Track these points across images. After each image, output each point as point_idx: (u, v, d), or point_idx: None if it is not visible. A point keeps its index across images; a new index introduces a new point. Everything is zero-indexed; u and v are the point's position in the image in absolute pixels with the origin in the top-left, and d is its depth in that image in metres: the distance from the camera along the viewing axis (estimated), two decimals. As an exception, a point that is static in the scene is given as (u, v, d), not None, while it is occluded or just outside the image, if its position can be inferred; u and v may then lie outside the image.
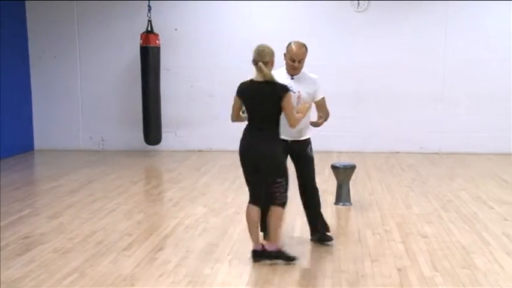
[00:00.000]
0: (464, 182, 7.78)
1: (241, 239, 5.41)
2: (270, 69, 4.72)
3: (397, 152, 10.11)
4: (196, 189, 7.55)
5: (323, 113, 5.28)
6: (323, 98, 5.26)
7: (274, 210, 4.77)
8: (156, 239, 5.45)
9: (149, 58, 9.83)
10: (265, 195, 4.79)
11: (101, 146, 10.86)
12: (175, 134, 10.75)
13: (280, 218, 4.82)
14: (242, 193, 7.25)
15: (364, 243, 5.28)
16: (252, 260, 4.77)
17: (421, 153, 9.86)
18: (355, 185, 7.27)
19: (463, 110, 9.98)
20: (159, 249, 5.13)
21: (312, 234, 5.36)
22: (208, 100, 10.62)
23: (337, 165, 6.76)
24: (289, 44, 5.27)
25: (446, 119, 9.92)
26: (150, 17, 9.79)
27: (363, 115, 10.31)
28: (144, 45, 9.80)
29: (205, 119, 10.65)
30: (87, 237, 5.47)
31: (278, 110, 4.65)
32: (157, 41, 9.91)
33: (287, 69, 5.17)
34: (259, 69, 4.68)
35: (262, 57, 4.72)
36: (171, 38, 10.38)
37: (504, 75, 9.84)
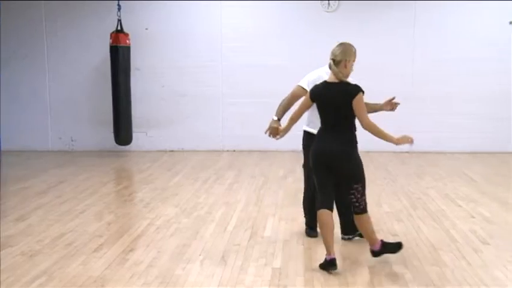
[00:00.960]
0: (433, 180, 7.90)
1: (213, 239, 5.40)
2: (344, 69, 4.64)
3: (368, 152, 10.20)
4: (168, 190, 7.50)
5: None
6: None
7: (359, 218, 4.67)
8: (127, 240, 5.40)
9: (119, 58, 9.74)
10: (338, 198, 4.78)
11: (71, 146, 10.73)
12: (146, 134, 10.67)
13: (368, 223, 4.68)
14: (214, 193, 7.27)
15: (335, 241, 5.29)
16: (326, 270, 4.53)
17: (392, 152, 9.97)
18: (326, 184, 7.31)
19: (432, 109, 10.12)
20: (130, 250, 5.09)
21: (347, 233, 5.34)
22: (180, 100, 10.58)
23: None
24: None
25: (415, 118, 10.04)
26: (119, 16, 9.71)
27: (333, 115, 10.37)
28: (114, 44, 9.71)
29: (177, 118, 10.61)
30: (56, 239, 5.39)
31: (351, 110, 4.53)
32: (127, 41, 9.83)
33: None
34: (330, 67, 4.66)
35: (334, 56, 4.69)
36: (142, 37, 10.30)
37: (472, 75, 10.02)
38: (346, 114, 4.55)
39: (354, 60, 4.75)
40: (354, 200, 4.62)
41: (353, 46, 4.81)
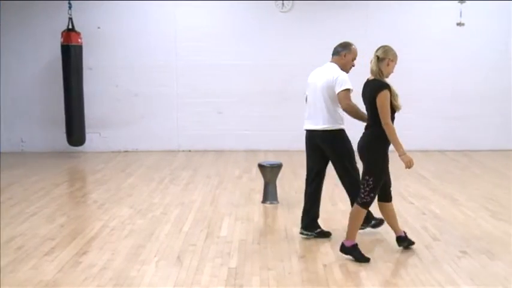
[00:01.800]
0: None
1: (168, 239, 5.36)
2: (385, 67, 4.77)
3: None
4: (122, 191, 7.40)
5: None
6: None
7: (356, 209, 4.80)
8: (80, 242, 5.30)
9: (71, 57, 9.56)
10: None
11: (21, 147, 10.46)
12: (100, 135, 10.51)
13: (358, 218, 4.80)
14: (169, 193, 7.22)
15: (291, 240, 5.36)
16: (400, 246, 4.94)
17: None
18: (282, 184, 7.35)
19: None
20: (84, 253, 5.00)
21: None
22: (134, 100, 10.46)
23: (264, 164, 6.82)
24: (352, 44, 5.50)
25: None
26: (70, 15, 9.52)
27: (288, 114, 10.44)
28: (65, 43, 9.53)
29: (131, 119, 10.48)
30: (5, 243, 5.24)
31: (376, 107, 4.65)
32: (79, 40, 9.65)
33: (347, 67, 5.40)
34: (370, 62, 4.78)
35: (381, 53, 4.79)
36: (94, 36, 10.13)
37: (423, 75, 10.26)
38: (374, 110, 4.68)
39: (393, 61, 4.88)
40: (362, 190, 4.74)
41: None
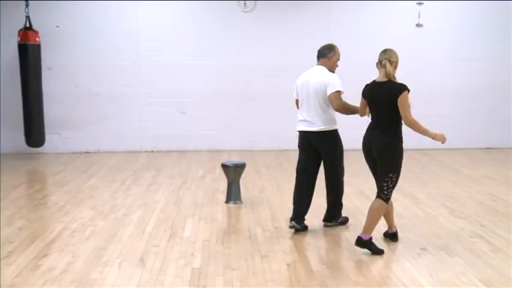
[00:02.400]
0: (348, 177, 8.05)
1: (131, 241, 5.30)
2: (394, 71, 4.98)
3: (286, 150, 10.37)
4: (83, 192, 7.29)
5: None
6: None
7: (378, 202, 4.95)
8: (39, 245, 5.20)
9: (28, 56, 9.38)
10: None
11: (-22, 149, 10.20)
12: (60, 136, 10.33)
13: (380, 213, 4.97)
14: (132, 194, 7.14)
15: (254, 240, 5.36)
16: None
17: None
18: (245, 183, 7.36)
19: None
20: (43, 256, 4.89)
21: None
22: (95, 100, 10.32)
23: (227, 163, 6.81)
24: (336, 46, 5.72)
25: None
26: (28, 13, 9.34)
27: (251, 114, 10.48)
28: (23, 42, 9.34)
29: (92, 119, 10.34)
30: (-38, 247, 5.10)
31: (397, 107, 4.85)
32: (37, 39, 9.46)
33: (334, 69, 5.61)
34: (383, 66, 4.93)
35: (390, 56, 4.96)
36: (53, 35, 9.97)
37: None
38: (391, 110, 4.92)
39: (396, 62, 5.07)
40: (385, 186, 4.92)
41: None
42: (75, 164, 9.27)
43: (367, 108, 5.20)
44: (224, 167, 6.79)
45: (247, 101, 10.44)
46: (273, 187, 7.59)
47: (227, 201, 6.72)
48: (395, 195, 7.04)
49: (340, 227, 5.74)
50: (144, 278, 4.40)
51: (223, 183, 7.17)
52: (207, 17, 10.36)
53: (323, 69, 5.57)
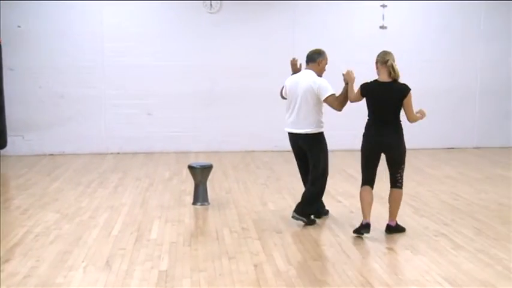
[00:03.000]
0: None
1: (97, 244, 5.24)
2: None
3: (253, 151, 10.40)
4: (48, 195, 7.17)
5: None
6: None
7: (397, 191, 5.52)
8: (1, 250, 5.08)
9: (-11, 56, 9.15)
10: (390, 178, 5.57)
11: None
12: (23, 138, 10.13)
13: (400, 199, 5.55)
14: (97, 197, 7.06)
15: (221, 241, 5.36)
16: (357, 233, 5.43)
17: (276, 151, 10.22)
18: (212, 185, 7.36)
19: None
20: (5, 261, 4.79)
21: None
22: (59, 101, 10.16)
23: (194, 165, 6.79)
24: (324, 51, 5.93)
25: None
26: (-12, 12, 9.14)
27: (218, 115, 10.46)
28: (-17, 42, 9.13)
29: (57, 121, 10.18)
30: None
31: (401, 106, 5.35)
32: (-2, 39, 9.26)
33: (322, 73, 5.86)
34: (390, 66, 5.36)
35: (393, 58, 5.41)
36: (15, 36, 9.78)
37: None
38: (398, 108, 5.43)
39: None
40: (399, 177, 5.49)
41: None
42: (39, 167, 9.11)
43: (358, 99, 5.62)
44: (191, 168, 6.76)
45: (214, 102, 10.43)
46: (240, 188, 7.60)
47: (194, 203, 6.69)
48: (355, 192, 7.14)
49: (307, 228, 5.77)
50: (110, 282, 4.36)
51: (190, 184, 7.14)
52: (173, 18, 10.31)
53: (312, 74, 5.78)
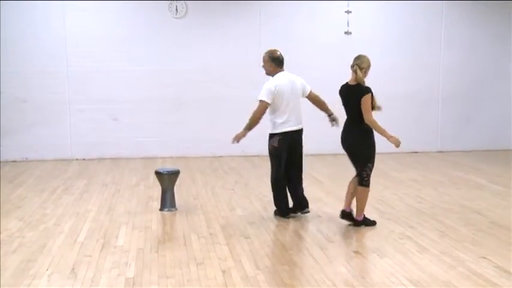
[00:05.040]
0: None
1: (62, 251, 5.16)
2: (363, 74, 5.70)
3: (220, 156, 10.39)
4: (10, 202, 7.03)
5: None
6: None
7: (361, 189, 5.81)
8: (-37, 259, 4.97)
9: None
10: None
11: None
12: (-16, 144, 9.92)
13: (366, 196, 5.84)
14: (62, 204, 6.95)
15: (189, 247, 5.34)
16: (340, 217, 5.96)
17: (243, 156, 10.24)
18: (179, 190, 7.32)
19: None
20: (-32, 270, 4.69)
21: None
22: (22, 107, 9.98)
23: (161, 171, 6.75)
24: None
25: (265, 123, 10.37)
26: None
27: (185, 120, 10.42)
28: None
29: (19, 127, 9.99)
30: None
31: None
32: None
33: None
34: (354, 71, 5.68)
35: (361, 62, 5.69)
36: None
37: (314, 82, 10.55)
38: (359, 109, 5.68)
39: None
40: (365, 175, 5.77)
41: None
42: (1, 174, 8.92)
43: None
44: (158, 174, 6.72)
45: (181, 107, 10.39)
46: (207, 193, 7.58)
47: (161, 209, 6.65)
48: (326, 199, 7.23)
49: (275, 233, 5.79)
50: (75, 290, 4.30)
51: (157, 190, 7.09)
52: (139, 22, 10.23)
53: (293, 75, 6.38)
